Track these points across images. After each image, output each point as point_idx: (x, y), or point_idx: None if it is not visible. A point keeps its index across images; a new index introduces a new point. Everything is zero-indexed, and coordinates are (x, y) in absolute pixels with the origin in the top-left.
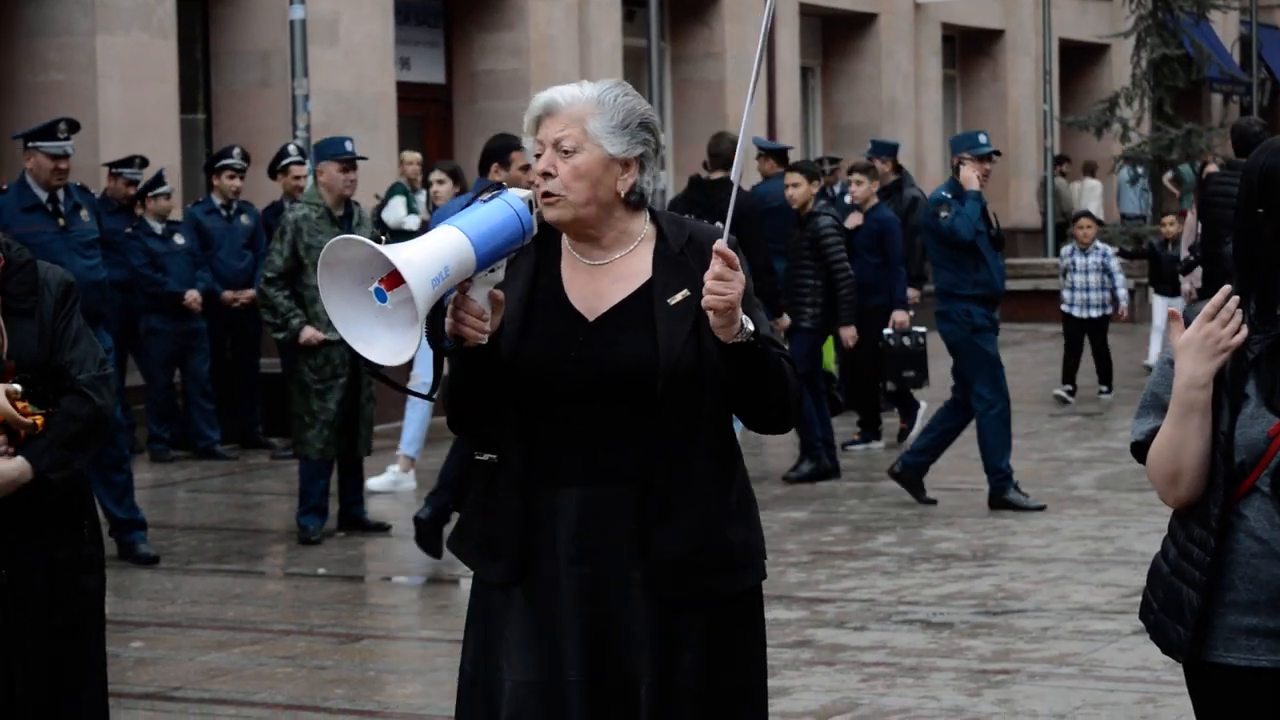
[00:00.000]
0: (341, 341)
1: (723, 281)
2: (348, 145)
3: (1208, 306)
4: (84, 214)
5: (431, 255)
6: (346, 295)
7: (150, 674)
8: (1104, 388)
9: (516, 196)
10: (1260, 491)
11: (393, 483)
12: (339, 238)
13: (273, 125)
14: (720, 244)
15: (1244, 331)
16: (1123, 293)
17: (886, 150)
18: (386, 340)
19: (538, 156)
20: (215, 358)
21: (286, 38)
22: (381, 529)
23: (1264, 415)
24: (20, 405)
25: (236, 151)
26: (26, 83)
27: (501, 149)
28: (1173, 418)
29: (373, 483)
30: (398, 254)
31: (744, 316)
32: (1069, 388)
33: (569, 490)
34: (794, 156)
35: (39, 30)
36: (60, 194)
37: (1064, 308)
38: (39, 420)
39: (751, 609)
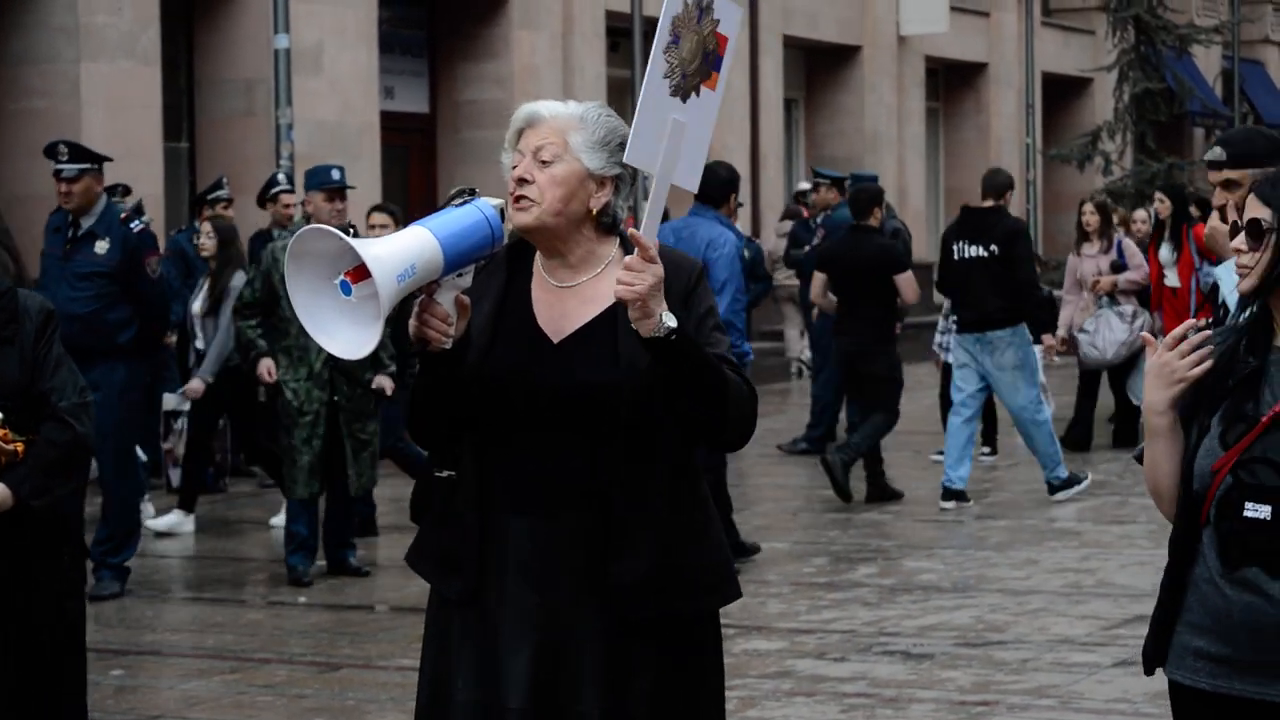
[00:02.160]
0: (304, 379)
1: (632, 272)
2: (334, 174)
3: (1168, 337)
4: (100, 245)
5: (398, 253)
6: (312, 286)
7: (130, 702)
8: (985, 448)
9: (488, 204)
10: (1210, 520)
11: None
12: (309, 228)
13: (256, 154)
14: (634, 231)
15: (1205, 364)
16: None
17: (864, 182)
18: (348, 334)
19: (514, 167)
20: None
21: (271, 67)
22: (362, 574)
23: (1216, 449)
24: (1, 432)
25: (226, 182)
26: (9, 110)
27: (737, 178)
28: (1147, 441)
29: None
30: (366, 249)
31: (665, 313)
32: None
33: (522, 519)
34: (776, 187)
35: (23, 58)
36: (85, 220)
37: (941, 354)
38: (19, 447)
39: (708, 635)
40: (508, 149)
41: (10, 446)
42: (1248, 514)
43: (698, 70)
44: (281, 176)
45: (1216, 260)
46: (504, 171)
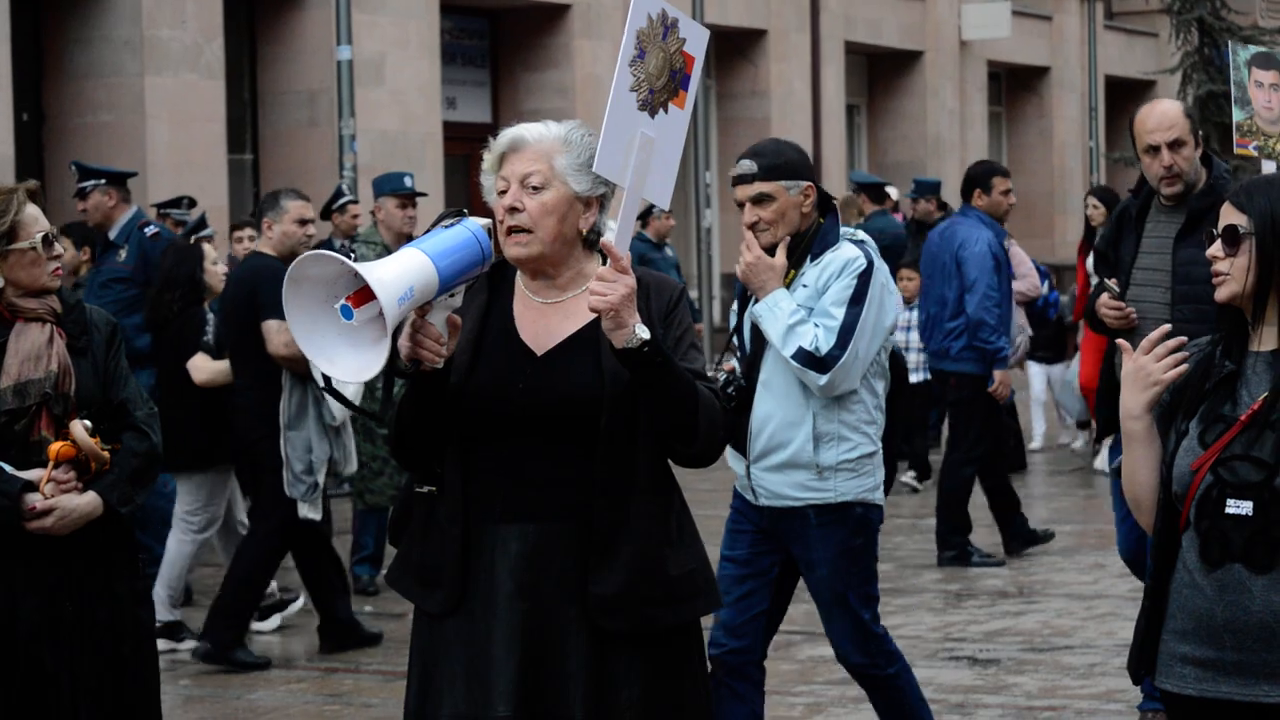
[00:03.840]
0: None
1: (604, 282)
2: (406, 180)
3: (1144, 342)
4: (121, 254)
5: (399, 275)
6: (310, 312)
7: (198, 712)
8: (911, 471)
9: (477, 223)
10: (1190, 523)
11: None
12: (309, 254)
13: (320, 165)
14: (606, 240)
15: (1181, 367)
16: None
17: (929, 188)
18: (350, 358)
19: (501, 193)
20: None
21: (334, 78)
22: None
23: (1195, 449)
24: (94, 440)
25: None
26: (75, 124)
27: (984, 174)
28: (1124, 447)
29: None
30: (370, 272)
31: (638, 324)
32: (913, 473)
33: (511, 526)
34: (839, 193)
35: (88, 72)
36: (111, 233)
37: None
38: (107, 455)
39: (692, 644)
40: (489, 172)
41: (103, 454)
42: (1229, 510)
43: (665, 87)
44: (345, 188)
45: (751, 295)
46: (485, 194)
